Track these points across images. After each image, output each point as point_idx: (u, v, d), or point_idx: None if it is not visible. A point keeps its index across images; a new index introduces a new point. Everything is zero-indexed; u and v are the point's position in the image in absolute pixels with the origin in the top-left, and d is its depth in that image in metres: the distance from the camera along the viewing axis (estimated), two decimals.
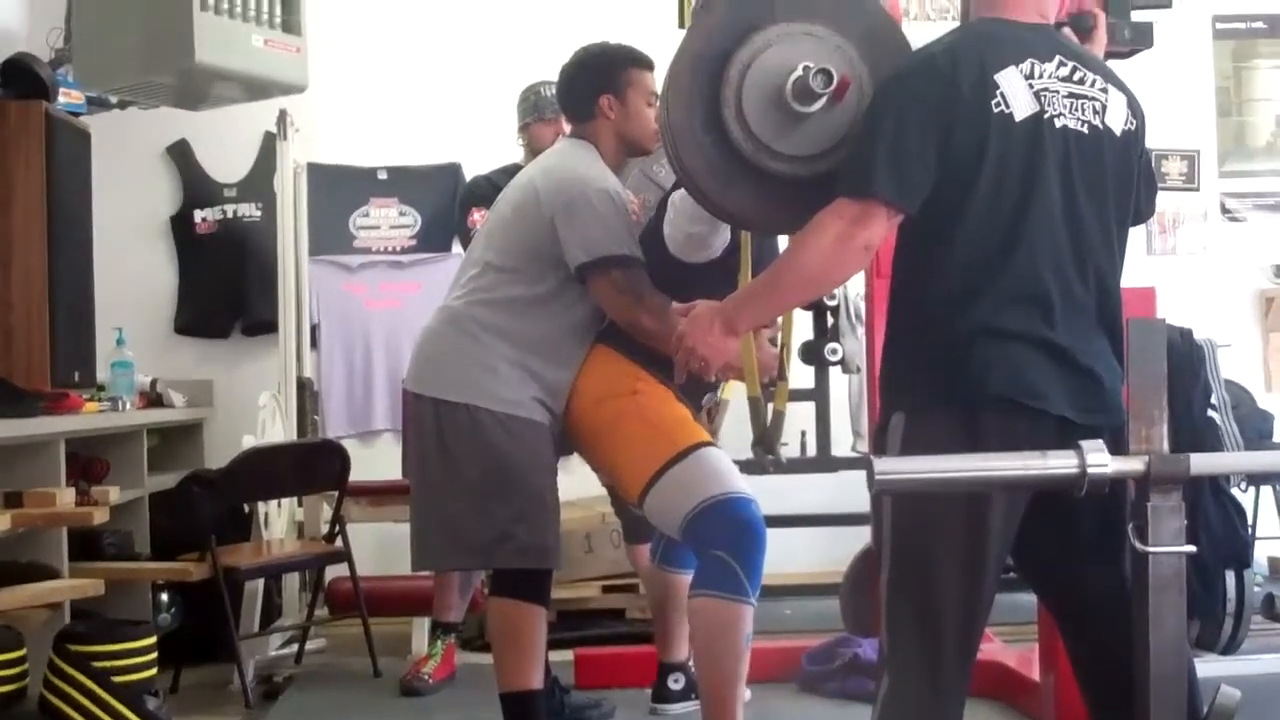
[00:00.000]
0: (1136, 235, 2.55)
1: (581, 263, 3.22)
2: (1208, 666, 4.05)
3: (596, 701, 4.03)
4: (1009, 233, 2.28)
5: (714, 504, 3.14)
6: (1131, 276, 2.51)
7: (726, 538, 3.13)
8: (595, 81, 3.39)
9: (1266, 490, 4.59)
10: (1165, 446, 1.98)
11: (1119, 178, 2.39)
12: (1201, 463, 2.01)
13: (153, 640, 1.87)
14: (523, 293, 3.29)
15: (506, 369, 3.25)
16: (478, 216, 4.46)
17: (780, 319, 3.36)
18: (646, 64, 3.43)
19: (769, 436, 3.28)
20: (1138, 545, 1.95)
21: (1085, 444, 1.94)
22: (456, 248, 5.66)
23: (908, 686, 2.32)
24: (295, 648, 4.95)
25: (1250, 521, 4.35)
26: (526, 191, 3.34)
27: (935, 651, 2.30)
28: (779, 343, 3.38)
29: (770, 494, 3.25)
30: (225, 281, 5.96)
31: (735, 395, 3.49)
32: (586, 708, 3.97)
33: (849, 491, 4.59)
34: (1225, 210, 6.43)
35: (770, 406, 3.33)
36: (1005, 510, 2.28)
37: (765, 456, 3.27)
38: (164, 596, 4.78)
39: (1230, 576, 4.17)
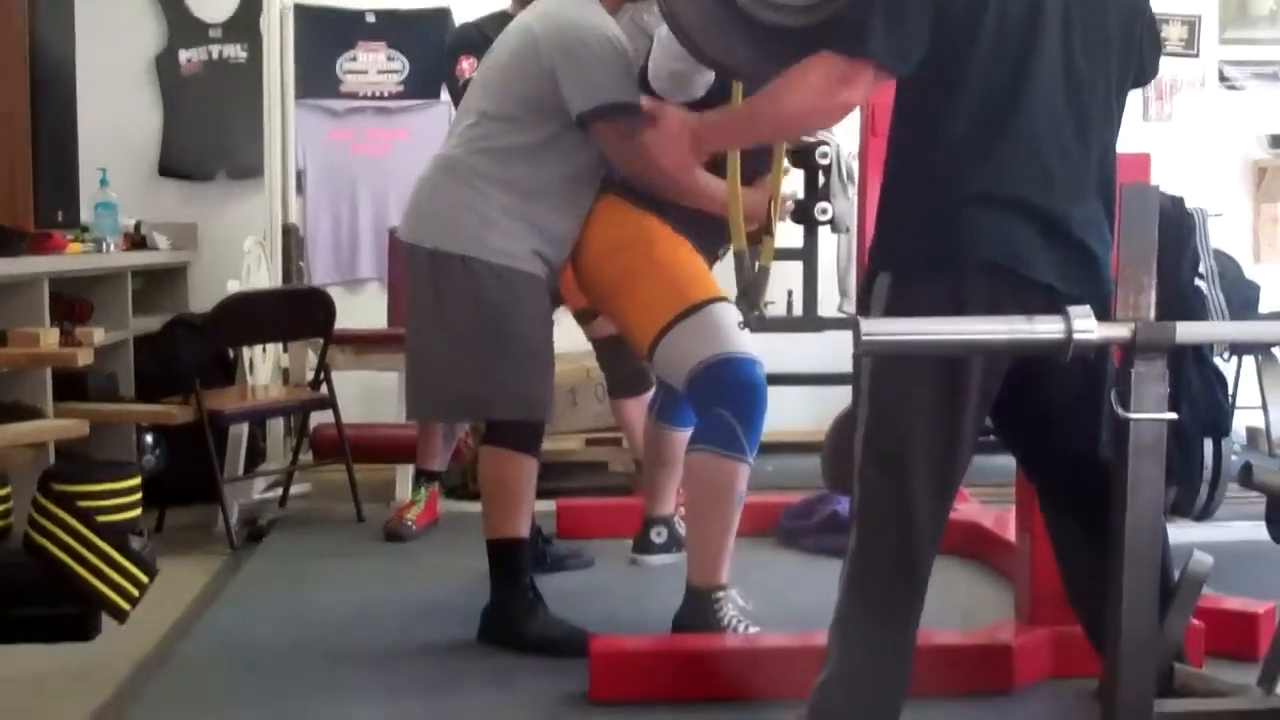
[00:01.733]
0: (1132, 101, 2.52)
1: (583, 111, 3.16)
2: (1182, 532, 4.12)
3: (577, 551, 4.08)
4: (1007, 95, 2.25)
5: (720, 362, 3.16)
6: (1126, 143, 2.48)
7: (729, 396, 3.15)
8: None
9: (1249, 360, 4.60)
10: (1152, 314, 1.97)
11: (1122, 34, 2.35)
12: (1187, 331, 2.01)
13: (137, 481, 1.88)
14: (521, 141, 3.24)
15: (504, 220, 3.22)
16: (465, 65, 4.38)
17: (769, 174, 3.31)
18: None
19: (753, 292, 3.27)
20: (1120, 411, 1.95)
21: (1072, 310, 1.93)
22: (445, 95, 5.59)
23: (876, 543, 2.34)
24: (279, 492, 4.99)
25: (1231, 390, 4.38)
26: (524, 38, 3.27)
27: (906, 510, 2.31)
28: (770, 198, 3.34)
29: (757, 353, 3.25)
30: (210, 124, 5.90)
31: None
32: (567, 557, 4.03)
33: (834, 352, 4.60)
34: (1224, 78, 6.37)
35: (756, 263, 3.31)
36: (984, 372, 2.28)
37: (750, 313, 3.27)
38: (149, 439, 4.80)
39: (1209, 444, 4.21)
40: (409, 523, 4.45)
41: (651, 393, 3.93)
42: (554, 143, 3.23)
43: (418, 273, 3.30)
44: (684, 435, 3.80)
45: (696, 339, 3.19)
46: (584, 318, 3.98)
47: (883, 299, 2.33)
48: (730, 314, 3.24)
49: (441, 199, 3.29)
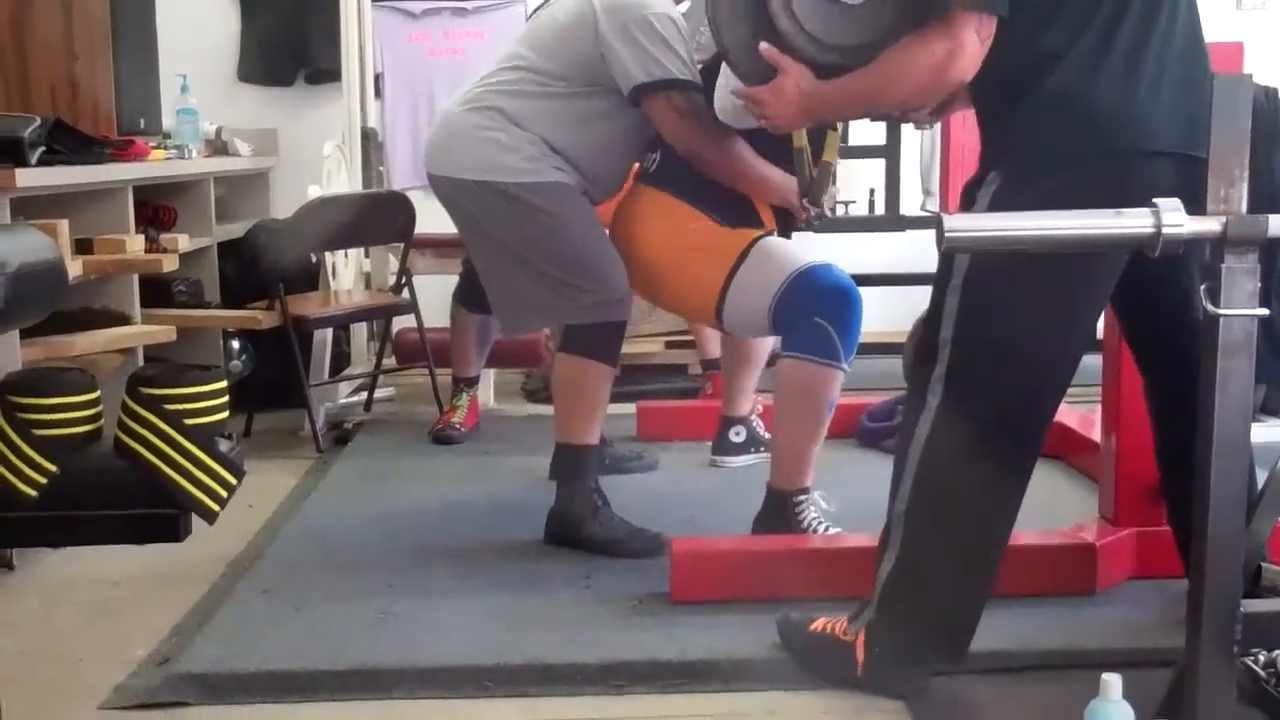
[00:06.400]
0: None
1: (643, 83, 3.14)
2: (1272, 431, 4.06)
3: (638, 454, 4.10)
4: None
5: (795, 279, 3.13)
6: (1220, 31, 2.42)
7: (821, 303, 3.12)
8: None
9: None
10: (1244, 207, 1.92)
11: None
12: None
13: (223, 384, 1.89)
14: (552, 91, 3.25)
15: (529, 148, 3.23)
16: None
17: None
18: None
19: (814, 190, 3.22)
20: (1209, 307, 1.91)
21: (1161, 202, 1.88)
22: None
23: (968, 452, 2.32)
24: (364, 396, 5.05)
25: None
26: (583, 5, 3.23)
27: (1009, 417, 2.29)
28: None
29: (838, 253, 3.21)
30: (288, 28, 5.89)
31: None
32: (628, 459, 4.04)
33: (917, 251, 4.56)
34: None
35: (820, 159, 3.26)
36: (1099, 276, 2.25)
37: (811, 212, 3.22)
38: (235, 344, 4.86)
39: None
40: (457, 425, 4.52)
41: None
42: (583, 100, 3.23)
43: (450, 203, 3.36)
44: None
45: (759, 278, 3.17)
46: None
47: (988, 195, 2.27)
48: (779, 240, 3.24)
49: (464, 131, 3.30)
